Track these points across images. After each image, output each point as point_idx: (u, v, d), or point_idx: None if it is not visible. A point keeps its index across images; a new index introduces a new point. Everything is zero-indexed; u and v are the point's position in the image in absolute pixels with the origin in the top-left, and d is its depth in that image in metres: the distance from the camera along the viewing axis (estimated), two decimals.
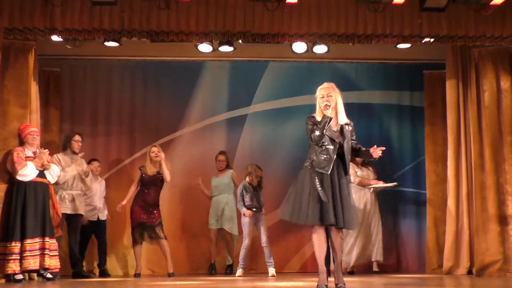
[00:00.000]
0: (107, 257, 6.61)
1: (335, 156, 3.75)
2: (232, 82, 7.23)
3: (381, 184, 6.65)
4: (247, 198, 6.15)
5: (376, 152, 3.90)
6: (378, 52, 6.77)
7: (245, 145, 7.19)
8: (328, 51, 6.50)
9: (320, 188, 3.64)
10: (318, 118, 3.80)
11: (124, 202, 6.27)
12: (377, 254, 6.44)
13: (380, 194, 6.80)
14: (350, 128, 3.92)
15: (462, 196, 6.10)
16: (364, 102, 7.29)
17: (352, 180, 5.97)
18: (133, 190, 6.39)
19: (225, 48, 6.32)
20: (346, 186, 3.77)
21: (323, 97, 3.84)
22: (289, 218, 3.74)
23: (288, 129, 7.12)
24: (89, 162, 6.55)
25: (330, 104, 3.77)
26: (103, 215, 6.60)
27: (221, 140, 7.20)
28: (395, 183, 6.69)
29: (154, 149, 6.53)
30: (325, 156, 3.75)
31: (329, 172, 3.70)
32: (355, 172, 6.63)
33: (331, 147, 3.75)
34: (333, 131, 3.84)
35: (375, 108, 7.34)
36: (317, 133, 3.68)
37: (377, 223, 6.52)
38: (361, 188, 6.59)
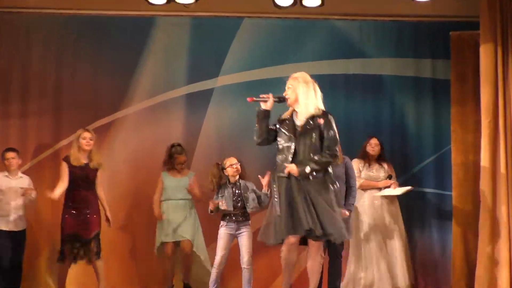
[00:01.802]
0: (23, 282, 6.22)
1: (291, 156, 3.94)
2: (193, 45, 6.96)
3: (387, 191, 6.29)
4: (223, 200, 5.66)
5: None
6: (390, 6, 6.74)
7: (211, 130, 6.87)
8: (322, 4, 6.36)
9: (276, 198, 3.88)
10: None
11: (56, 194, 5.78)
12: (405, 281, 6.26)
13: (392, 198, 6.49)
14: (321, 121, 4.06)
15: (500, 199, 5.96)
16: (371, 74, 7.03)
17: (356, 184, 5.78)
18: (63, 188, 5.92)
19: None
20: (321, 192, 3.93)
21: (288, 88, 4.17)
22: (259, 238, 4.01)
23: None
24: (2, 154, 6.18)
25: (288, 96, 4.09)
26: (20, 225, 6.17)
27: (178, 124, 6.87)
28: (409, 187, 6.36)
29: (86, 134, 6.10)
30: (281, 157, 4.01)
31: (288, 176, 3.93)
32: (359, 171, 6.35)
33: (288, 144, 3.97)
34: (297, 125, 4.07)
35: (386, 82, 7.10)
36: (255, 127, 4.01)
37: (399, 241, 6.30)
38: (368, 192, 6.36)
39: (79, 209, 5.95)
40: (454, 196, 6.49)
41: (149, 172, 6.54)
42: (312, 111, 4.17)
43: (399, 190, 6.33)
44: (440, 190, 6.89)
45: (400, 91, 7.05)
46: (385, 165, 6.48)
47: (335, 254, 5.49)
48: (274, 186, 4.02)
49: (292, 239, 4.00)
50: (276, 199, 3.95)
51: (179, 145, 6.40)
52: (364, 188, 6.32)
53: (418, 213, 6.85)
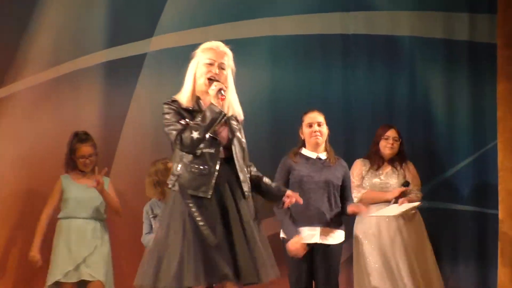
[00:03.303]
0: None
1: (218, 166, 3.70)
2: None
3: (384, 211, 5.59)
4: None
5: (290, 200, 3.94)
6: None
7: (142, 114, 6.21)
8: None
9: (202, 224, 3.64)
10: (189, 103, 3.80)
11: None
12: None
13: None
14: (239, 125, 3.87)
15: None
16: (381, 34, 6.27)
17: (353, 196, 5.26)
18: None
19: None
20: (249, 216, 3.74)
21: (210, 66, 3.77)
22: (149, 283, 3.72)
23: None
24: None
25: (225, 87, 3.74)
26: None
27: (92, 104, 6.11)
28: (416, 202, 5.70)
29: None
30: (202, 168, 3.71)
31: (210, 195, 3.69)
32: (361, 176, 5.57)
33: (212, 150, 3.72)
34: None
35: (402, 46, 6.35)
36: (195, 134, 3.67)
37: (432, 273, 5.70)
38: (372, 208, 5.52)
39: None
40: (502, 217, 5.75)
41: (48, 176, 5.81)
42: (238, 108, 3.94)
43: (399, 208, 5.56)
44: (480, 208, 6.29)
45: (423, 60, 6.34)
46: (399, 168, 5.70)
47: None
48: (191, 204, 3.70)
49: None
50: (202, 224, 3.65)
51: (85, 133, 5.67)
52: (368, 202, 5.44)
53: (449, 241, 6.25)
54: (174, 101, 3.77)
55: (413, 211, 5.57)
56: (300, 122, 4.75)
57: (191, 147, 3.73)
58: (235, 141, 3.83)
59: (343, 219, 4.84)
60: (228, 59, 3.83)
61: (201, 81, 3.72)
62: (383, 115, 6.03)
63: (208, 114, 3.66)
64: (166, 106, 3.82)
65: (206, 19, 6.14)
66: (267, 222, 5.38)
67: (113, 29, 6.15)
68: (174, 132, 3.72)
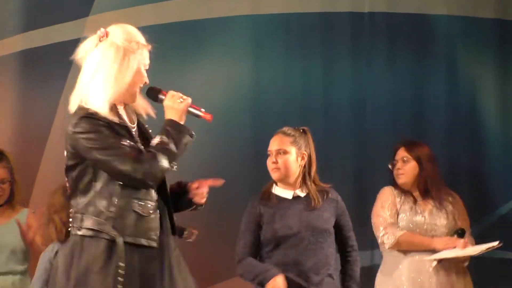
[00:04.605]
0: None
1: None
2: None
3: (448, 253, 4.56)
4: None
5: (201, 192, 3.22)
6: None
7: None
8: None
9: (120, 279, 3.00)
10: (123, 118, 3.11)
11: None
12: None
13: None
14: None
15: None
16: (406, 13, 5.14)
17: (384, 239, 4.54)
18: None
19: None
20: (183, 266, 3.21)
21: (146, 70, 3.03)
22: None
23: (195, 74, 5.12)
24: None
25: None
26: None
27: (6, 107, 5.25)
28: (496, 243, 4.57)
29: None
30: (149, 205, 3.04)
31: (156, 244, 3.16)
32: (395, 210, 4.58)
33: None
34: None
35: (437, 29, 5.20)
36: (164, 162, 2.98)
37: None
38: (406, 256, 4.59)
39: None
40: None
41: None
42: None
43: (474, 250, 4.61)
44: None
45: (466, 47, 5.16)
46: (449, 204, 4.61)
47: None
48: (121, 264, 3.03)
49: None
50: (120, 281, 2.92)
51: None
52: (405, 249, 4.56)
53: None
54: (96, 113, 2.92)
55: (466, 263, 4.59)
56: None
57: (157, 180, 3.05)
58: None
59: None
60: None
61: (135, 88, 2.99)
62: (407, 124, 4.97)
63: (177, 136, 2.96)
64: (87, 120, 2.90)
65: None
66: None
67: (35, 7, 5.18)
68: (123, 159, 2.90)
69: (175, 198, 3.18)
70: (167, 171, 2.94)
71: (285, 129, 3.78)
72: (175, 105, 2.86)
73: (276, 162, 3.73)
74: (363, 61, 5.02)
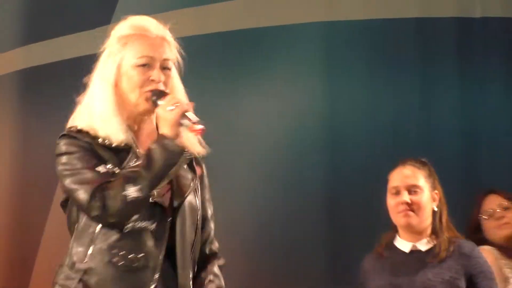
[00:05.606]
0: None
1: (162, 255, 2.60)
2: None
3: None
4: None
5: None
6: None
7: None
8: None
9: None
10: (119, 137, 2.59)
11: None
12: None
13: None
14: (194, 176, 2.71)
15: None
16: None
17: None
18: None
19: None
20: None
21: (146, 69, 2.55)
22: None
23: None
24: None
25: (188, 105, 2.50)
26: None
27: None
28: None
29: None
30: (132, 257, 2.59)
31: None
32: (503, 277, 3.79)
33: (152, 226, 2.62)
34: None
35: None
36: (131, 191, 2.51)
37: None
38: None
39: None
40: None
41: None
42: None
43: None
44: None
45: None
46: None
47: None
48: None
49: None
50: None
51: None
52: None
53: None
54: (80, 131, 2.53)
55: None
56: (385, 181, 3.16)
57: (122, 216, 2.54)
58: (185, 210, 2.61)
59: None
60: (170, 47, 2.54)
61: (133, 96, 2.51)
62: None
63: (157, 155, 2.44)
64: (65, 141, 2.56)
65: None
66: None
67: (40, 14, 4.67)
68: (86, 189, 2.46)
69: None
70: (136, 202, 2.39)
71: (412, 160, 3.11)
72: (166, 114, 2.39)
73: (409, 204, 3.01)
74: (470, 78, 3.94)
